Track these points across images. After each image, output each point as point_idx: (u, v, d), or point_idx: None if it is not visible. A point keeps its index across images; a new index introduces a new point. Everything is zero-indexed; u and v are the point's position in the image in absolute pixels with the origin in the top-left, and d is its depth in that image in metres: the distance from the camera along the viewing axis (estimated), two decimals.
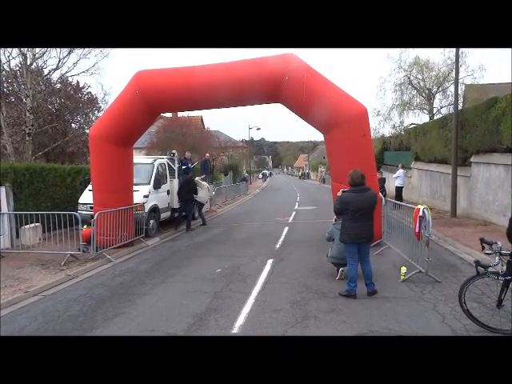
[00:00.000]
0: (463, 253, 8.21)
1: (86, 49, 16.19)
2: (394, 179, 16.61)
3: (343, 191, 5.91)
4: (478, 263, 4.46)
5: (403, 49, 22.61)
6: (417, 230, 6.40)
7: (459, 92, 17.97)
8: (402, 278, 6.53)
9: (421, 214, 6.33)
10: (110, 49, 16.67)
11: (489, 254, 4.41)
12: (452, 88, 20.48)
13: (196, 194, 13.01)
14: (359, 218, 5.61)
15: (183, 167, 14.30)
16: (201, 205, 13.70)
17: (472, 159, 12.55)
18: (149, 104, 9.32)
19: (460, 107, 16.32)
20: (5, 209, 9.66)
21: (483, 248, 4.50)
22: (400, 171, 16.50)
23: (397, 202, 9.47)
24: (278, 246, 9.89)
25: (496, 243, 4.36)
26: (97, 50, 16.55)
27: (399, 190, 16.19)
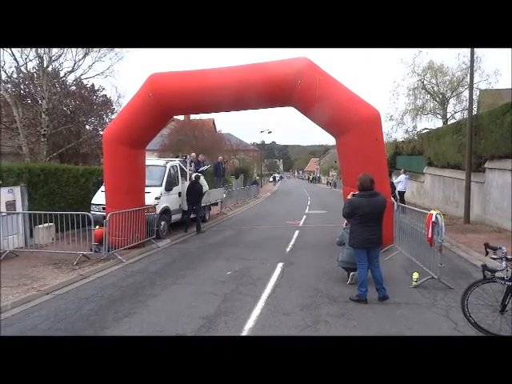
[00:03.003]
0: (476, 260, 8.08)
1: (101, 52, 16.43)
2: (396, 184, 16.77)
3: (353, 195, 5.88)
4: (485, 267, 4.39)
5: (417, 53, 22.52)
6: (429, 236, 6.32)
7: (474, 97, 17.80)
8: (414, 283, 6.46)
9: (433, 219, 6.26)
10: (124, 52, 16.88)
11: (495, 258, 4.35)
12: (466, 93, 20.24)
13: (202, 196, 13.07)
14: (368, 222, 5.57)
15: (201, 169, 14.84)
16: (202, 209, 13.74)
17: (486, 165, 12.38)
18: (162, 106, 9.39)
19: (474, 112, 16.15)
20: (19, 208, 9.82)
21: (487, 253, 4.45)
22: (402, 176, 16.84)
23: (407, 206, 9.39)
24: (288, 249, 9.87)
25: (501, 248, 4.30)
26: (112, 53, 16.78)
27: (400, 194, 16.25)
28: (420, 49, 21.57)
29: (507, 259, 4.22)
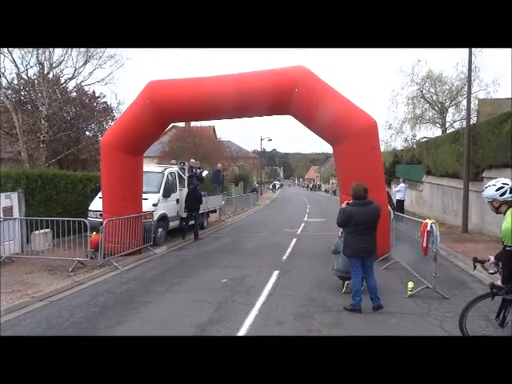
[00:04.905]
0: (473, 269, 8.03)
1: (102, 59, 16.59)
2: (395, 193, 16.88)
3: (347, 203, 5.88)
4: (493, 286, 4.17)
5: (416, 62, 22.61)
6: (424, 245, 6.31)
7: (473, 106, 17.84)
8: (409, 293, 6.43)
9: (429, 228, 6.26)
10: (124, 59, 17.07)
11: (493, 273, 4.23)
12: (465, 102, 20.28)
13: (201, 202, 13.10)
14: (362, 231, 5.56)
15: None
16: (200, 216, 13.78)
17: (484, 174, 12.38)
18: (159, 114, 9.44)
19: (474, 121, 16.18)
20: (16, 214, 9.83)
21: (475, 267, 4.37)
22: (401, 185, 16.96)
23: (404, 215, 9.40)
24: (284, 257, 9.84)
25: (489, 260, 4.23)
26: (112, 60, 16.92)
27: (400, 203, 16.30)
28: (419, 49, 21.54)
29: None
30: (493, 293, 4.16)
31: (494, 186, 4.02)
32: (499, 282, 4.02)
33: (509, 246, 3.82)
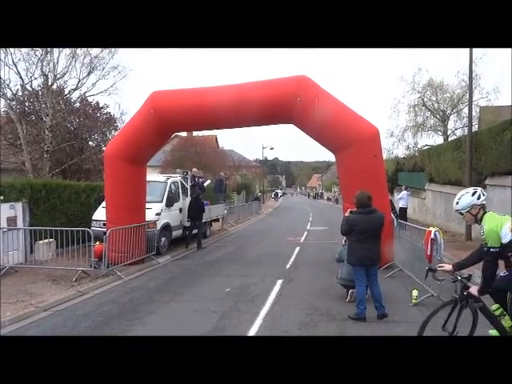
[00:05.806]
0: (477, 277, 7.99)
1: (105, 70, 16.74)
2: (398, 200, 16.89)
3: (351, 212, 5.89)
4: (468, 293, 4.11)
5: (416, 71, 22.74)
6: (428, 253, 6.31)
7: (474, 114, 17.91)
8: (414, 301, 6.40)
9: (432, 236, 6.26)
10: (127, 70, 17.16)
11: (454, 281, 4.17)
12: (466, 110, 20.33)
13: (204, 211, 13.13)
14: (366, 239, 5.56)
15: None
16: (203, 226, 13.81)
17: (487, 181, 12.38)
18: (163, 124, 9.51)
19: (475, 129, 16.23)
20: (20, 224, 9.86)
21: (426, 276, 4.39)
22: (403, 193, 17.06)
23: (407, 223, 9.39)
24: (288, 266, 9.83)
25: (442, 267, 4.26)
26: (115, 71, 17.07)
27: (403, 211, 16.31)
28: (419, 56, 21.73)
29: (461, 279, 4.09)
30: (462, 298, 4.09)
31: (467, 193, 4.01)
32: (472, 290, 3.97)
33: (493, 248, 3.80)
